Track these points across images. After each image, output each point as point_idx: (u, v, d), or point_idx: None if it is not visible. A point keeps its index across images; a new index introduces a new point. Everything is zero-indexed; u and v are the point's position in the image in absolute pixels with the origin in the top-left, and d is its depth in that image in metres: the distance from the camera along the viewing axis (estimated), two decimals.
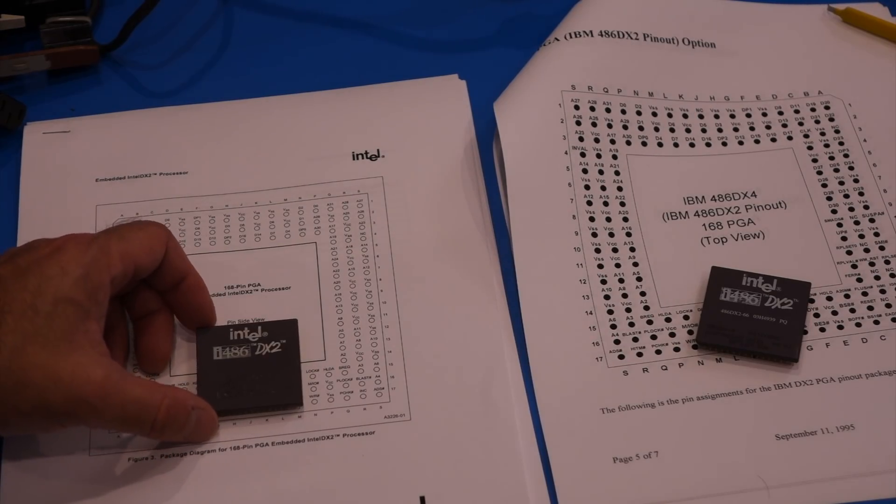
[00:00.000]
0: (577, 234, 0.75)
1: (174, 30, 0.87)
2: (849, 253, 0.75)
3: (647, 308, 0.73)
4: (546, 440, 0.69)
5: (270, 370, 0.70)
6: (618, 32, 0.83)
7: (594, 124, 0.79)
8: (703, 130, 0.80)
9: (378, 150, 0.80)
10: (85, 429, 0.69)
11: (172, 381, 0.71)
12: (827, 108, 0.81)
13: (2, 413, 0.63)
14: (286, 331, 0.71)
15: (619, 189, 0.77)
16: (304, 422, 0.70)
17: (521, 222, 0.75)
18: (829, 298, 0.73)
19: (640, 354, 0.72)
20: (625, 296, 0.74)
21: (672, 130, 0.80)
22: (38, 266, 0.64)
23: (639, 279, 0.74)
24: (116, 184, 0.78)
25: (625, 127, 0.79)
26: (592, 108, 0.79)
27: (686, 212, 0.77)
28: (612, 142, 0.79)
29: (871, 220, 0.76)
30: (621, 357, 0.72)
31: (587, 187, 0.77)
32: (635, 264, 0.75)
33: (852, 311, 0.73)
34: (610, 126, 0.79)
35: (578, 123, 0.79)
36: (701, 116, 0.81)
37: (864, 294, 0.73)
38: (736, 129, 0.80)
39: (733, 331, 0.71)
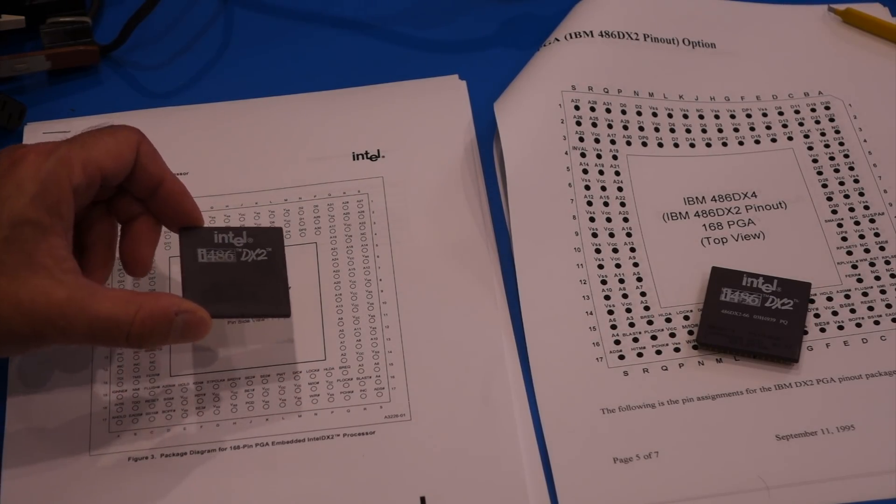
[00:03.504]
0: (578, 234, 0.75)
1: (174, 30, 0.87)
2: (849, 253, 0.75)
3: (647, 308, 0.73)
4: (546, 440, 0.69)
5: (256, 278, 0.69)
6: (618, 33, 0.83)
7: (594, 125, 0.79)
8: (704, 131, 0.80)
9: (378, 150, 0.80)
10: (85, 427, 0.69)
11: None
12: (827, 108, 0.81)
13: None
14: (271, 239, 0.70)
15: (620, 189, 0.77)
16: (304, 422, 0.70)
17: (521, 222, 0.75)
18: (830, 299, 0.73)
19: (640, 355, 0.72)
20: (625, 296, 0.74)
21: (672, 131, 0.80)
22: None
23: (639, 279, 0.74)
24: None
25: (625, 127, 0.79)
26: (593, 109, 0.79)
27: (686, 212, 0.77)
28: (613, 142, 0.79)
29: (872, 221, 0.76)
30: (622, 357, 0.72)
31: (587, 187, 0.77)
32: (635, 264, 0.75)
33: (852, 311, 0.73)
34: (610, 126, 0.79)
35: (579, 124, 0.79)
36: (701, 117, 0.81)
37: (865, 294, 0.73)
38: (736, 130, 0.80)
39: (733, 331, 0.71)
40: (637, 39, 0.83)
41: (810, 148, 0.79)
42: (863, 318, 0.72)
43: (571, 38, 0.82)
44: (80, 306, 0.62)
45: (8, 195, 0.62)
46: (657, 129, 0.80)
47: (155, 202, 0.68)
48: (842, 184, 0.78)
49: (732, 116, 0.81)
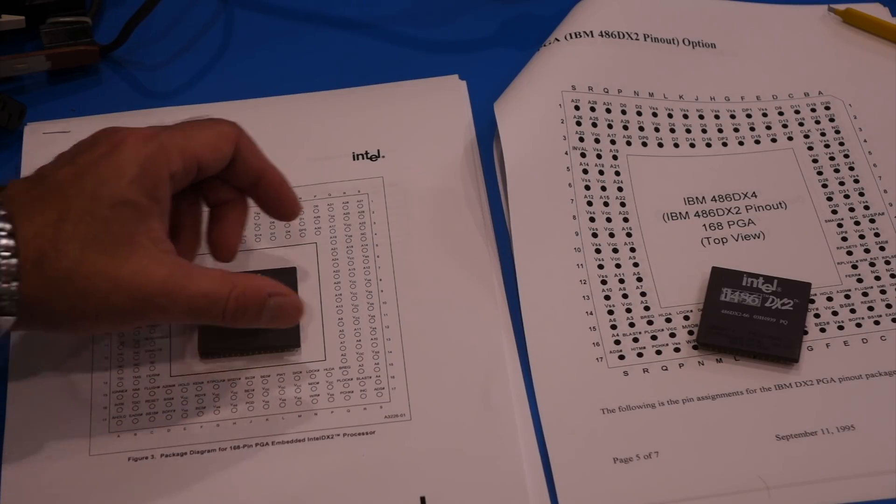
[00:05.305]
0: (578, 234, 0.75)
1: (174, 30, 0.87)
2: (849, 253, 0.75)
3: (647, 308, 0.73)
4: (546, 440, 0.69)
5: None
6: (618, 33, 0.83)
7: (594, 125, 0.79)
8: (704, 131, 0.80)
9: (378, 150, 0.80)
10: (86, 427, 0.69)
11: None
12: (827, 108, 0.81)
13: (70, 319, 0.64)
14: (285, 279, 0.72)
15: (620, 189, 0.77)
16: (304, 422, 0.70)
17: (521, 222, 0.75)
18: (830, 299, 0.73)
19: (640, 355, 0.72)
20: (625, 296, 0.74)
21: (672, 131, 0.80)
22: (94, 167, 0.64)
23: (639, 279, 0.74)
24: None
25: (625, 127, 0.79)
26: (593, 109, 0.80)
27: (686, 212, 0.77)
28: (613, 142, 0.79)
29: (872, 221, 0.76)
30: (622, 357, 0.72)
31: (587, 187, 0.77)
32: (636, 265, 0.75)
33: (853, 311, 0.73)
34: (610, 126, 0.79)
35: (579, 124, 0.79)
36: (701, 117, 0.81)
37: (865, 294, 0.73)
38: (736, 130, 0.80)
39: (734, 331, 0.71)
40: (637, 39, 0.83)
41: (810, 148, 0.79)
42: (863, 318, 0.72)
43: (571, 38, 0.82)
44: (180, 284, 0.64)
45: (109, 177, 0.64)
46: (657, 129, 0.80)
47: (257, 192, 0.70)
48: (842, 184, 0.78)
49: (732, 116, 0.81)
